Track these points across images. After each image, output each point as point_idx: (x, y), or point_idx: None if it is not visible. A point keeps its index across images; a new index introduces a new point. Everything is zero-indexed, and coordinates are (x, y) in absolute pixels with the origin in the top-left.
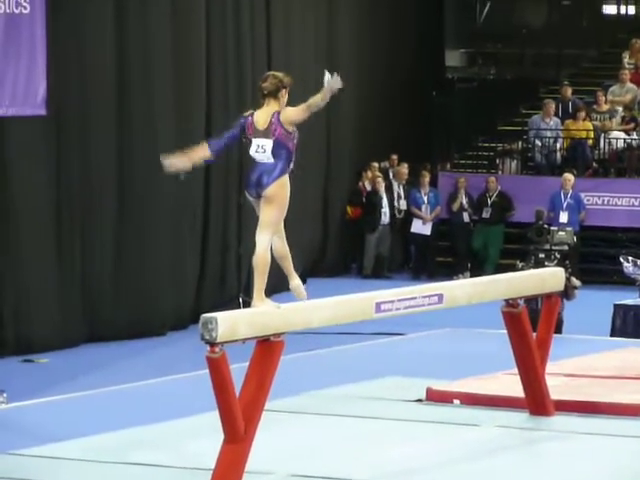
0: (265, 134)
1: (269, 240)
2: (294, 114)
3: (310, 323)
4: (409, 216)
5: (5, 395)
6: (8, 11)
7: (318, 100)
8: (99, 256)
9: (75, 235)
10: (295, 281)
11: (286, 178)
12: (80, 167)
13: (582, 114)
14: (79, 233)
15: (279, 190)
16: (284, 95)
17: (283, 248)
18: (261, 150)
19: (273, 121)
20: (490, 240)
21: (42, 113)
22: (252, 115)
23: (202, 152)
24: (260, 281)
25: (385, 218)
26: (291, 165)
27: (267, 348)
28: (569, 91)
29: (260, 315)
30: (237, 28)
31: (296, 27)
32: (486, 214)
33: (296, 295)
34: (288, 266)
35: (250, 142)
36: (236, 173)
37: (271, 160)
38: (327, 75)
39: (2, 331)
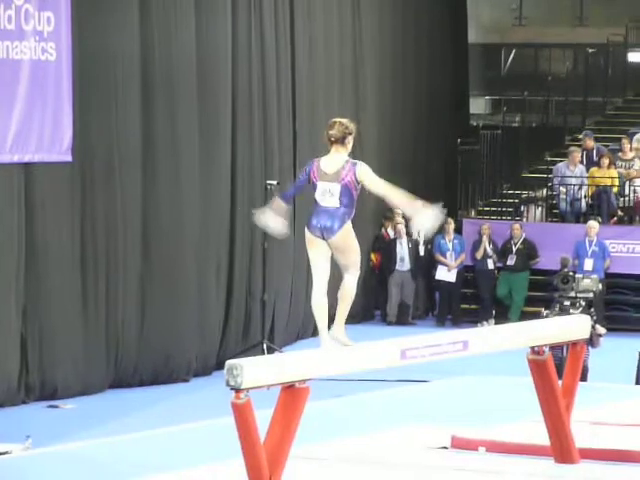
0: (333, 178)
1: (356, 277)
2: (370, 183)
3: (335, 370)
4: (431, 263)
5: (30, 440)
6: (34, 58)
7: (397, 202)
8: (123, 303)
9: (100, 282)
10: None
11: (350, 224)
12: (105, 214)
13: (606, 161)
14: (104, 279)
15: (347, 237)
16: (350, 141)
17: (324, 299)
18: (328, 194)
19: (346, 167)
20: (515, 287)
21: (68, 159)
22: (318, 160)
23: (278, 205)
24: (343, 316)
25: (403, 264)
26: (353, 212)
27: (292, 394)
28: (590, 142)
29: (285, 361)
30: (262, 59)
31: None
32: (511, 261)
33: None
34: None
35: (315, 186)
36: None
37: (336, 205)
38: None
39: (27, 377)
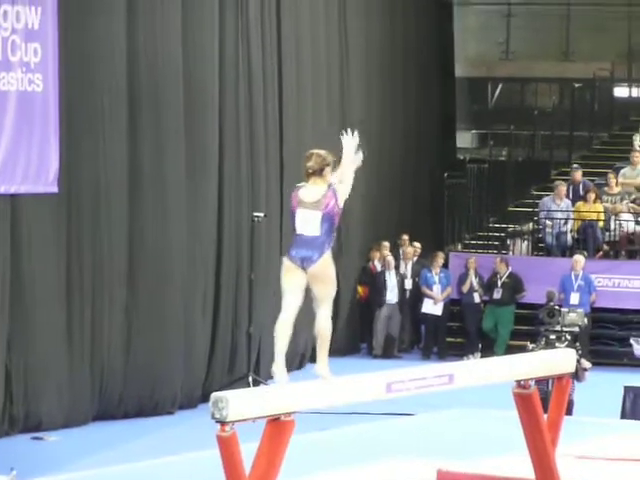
0: (314, 207)
1: (329, 312)
2: (347, 189)
3: (320, 403)
4: (417, 296)
5: (15, 472)
6: (21, 89)
7: (346, 170)
8: (109, 334)
9: (85, 313)
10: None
11: (330, 253)
12: (91, 244)
13: (592, 196)
14: (89, 311)
15: (327, 266)
16: (328, 173)
17: (289, 327)
18: (308, 222)
19: (328, 195)
20: (501, 321)
21: (54, 191)
22: (297, 190)
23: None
24: (325, 352)
25: (392, 297)
26: (332, 240)
27: (277, 427)
28: (579, 174)
29: (270, 394)
30: (249, 78)
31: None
32: (497, 295)
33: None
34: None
35: (294, 214)
36: (247, 250)
37: (316, 233)
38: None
39: (11, 408)
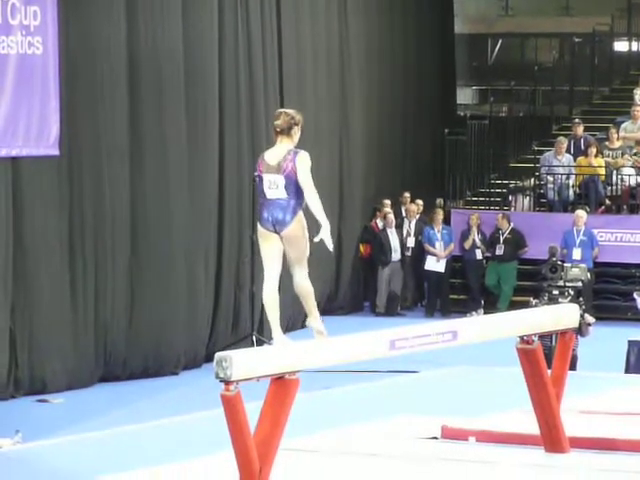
0: (276, 170)
1: (305, 272)
2: (299, 174)
3: (324, 361)
4: (420, 253)
5: (20, 435)
6: (21, 52)
7: (312, 209)
8: (112, 296)
9: (88, 275)
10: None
11: (301, 214)
12: (93, 207)
13: (593, 150)
14: (92, 273)
15: (299, 227)
16: (297, 132)
17: (275, 294)
18: (274, 186)
19: (288, 158)
20: (503, 277)
21: (55, 153)
22: (263, 154)
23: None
24: (312, 306)
25: (396, 255)
26: (303, 202)
27: (282, 386)
28: (581, 128)
29: (275, 353)
30: (250, 67)
31: (308, 66)
32: (499, 251)
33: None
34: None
35: (261, 179)
36: (248, 210)
37: (284, 196)
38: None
39: (17, 371)
